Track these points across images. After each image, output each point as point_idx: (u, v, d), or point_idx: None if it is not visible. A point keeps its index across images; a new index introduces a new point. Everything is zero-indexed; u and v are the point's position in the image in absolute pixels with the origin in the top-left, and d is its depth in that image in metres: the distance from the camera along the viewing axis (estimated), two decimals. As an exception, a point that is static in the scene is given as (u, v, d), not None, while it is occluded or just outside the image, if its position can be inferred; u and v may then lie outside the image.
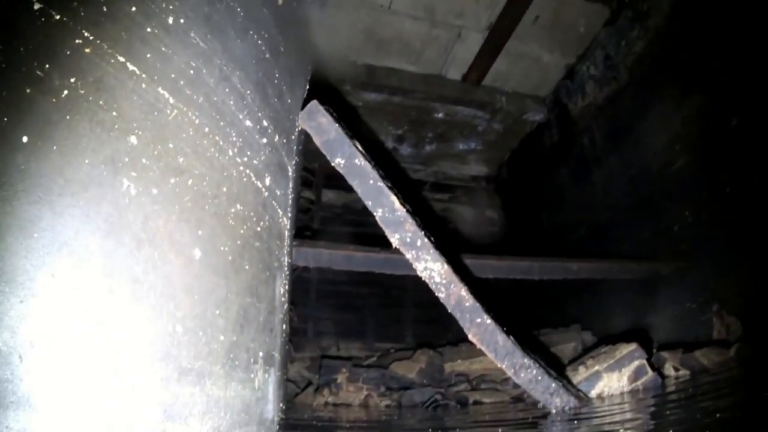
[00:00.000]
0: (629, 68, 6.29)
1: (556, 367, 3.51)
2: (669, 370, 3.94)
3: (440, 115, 7.66)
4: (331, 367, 5.51)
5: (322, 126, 2.82)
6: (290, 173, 2.58)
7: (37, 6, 1.53)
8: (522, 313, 6.56)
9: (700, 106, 5.23)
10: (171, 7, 1.81)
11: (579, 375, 3.57)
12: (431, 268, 2.89)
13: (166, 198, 1.69)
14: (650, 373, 3.50)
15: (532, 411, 3.24)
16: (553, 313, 6.81)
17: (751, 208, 4.55)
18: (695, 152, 5.27)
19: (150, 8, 1.76)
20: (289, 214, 2.57)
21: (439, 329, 7.29)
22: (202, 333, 1.72)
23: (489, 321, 2.85)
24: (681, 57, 5.51)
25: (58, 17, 1.56)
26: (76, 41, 1.58)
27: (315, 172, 8.23)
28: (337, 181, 7.99)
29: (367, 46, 6.76)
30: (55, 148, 1.47)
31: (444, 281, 2.88)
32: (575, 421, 2.73)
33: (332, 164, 2.83)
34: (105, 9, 1.65)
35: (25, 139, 1.44)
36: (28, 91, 1.47)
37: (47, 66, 1.52)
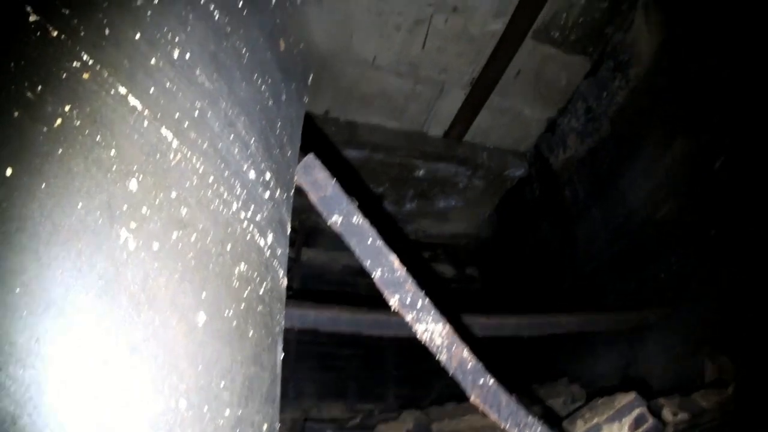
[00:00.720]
0: (611, 119, 6.21)
1: (553, 422, 3.33)
2: (667, 415, 3.80)
3: (421, 172, 7.48)
4: (315, 430, 5.29)
5: (319, 181, 2.61)
6: (288, 231, 2.36)
7: (32, 18, 1.31)
8: (508, 367, 6.36)
9: (683, 152, 5.21)
10: (177, 39, 1.60)
11: (578, 429, 3.45)
12: (432, 329, 2.70)
13: (168, 254, 1.44)
14: (650, 420, 3.37)
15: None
16: (539, 365, 6.62)
17: (737, 248, 4.54)
18: (680, 198, 5.24)
19: (155, 37, 1.54)
20: (287, 275, 2.36)
21: (420, 388, 7.05)
22: (207, 408, 1.45)
23: (492, 381, 2.66)
24: (663, 104, 5.49)
25: (55, 34, 1.32)
26: (74, 64, 1.34)
27: (296, 230, 8.02)
28: (317, 239, 7.86)
29: (350, 102, 6.61)
30: (43, 186, 1.22)
31: (446, 343, 2.70)
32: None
33: (328, 222, 2.60)
34: (107, 32, 1.42)
35: (8, 171, 1.18)
36: (15, 114, 1.22)
37: (40, 88, 1.26)
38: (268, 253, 1.92)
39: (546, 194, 7.26)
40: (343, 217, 2.63)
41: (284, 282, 2.15)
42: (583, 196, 6.60)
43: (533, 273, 7.42)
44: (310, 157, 2.62)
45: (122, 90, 1.42)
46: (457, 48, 6.29)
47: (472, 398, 2.66)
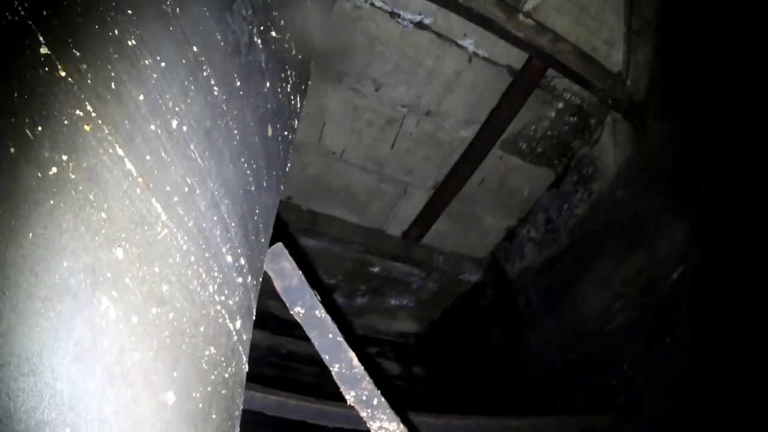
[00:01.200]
0: (570, 231, 6.25)
1: None
2: None
3: (376, 269, 7.40)
4: None
5: (285, 271, 2.61)
6: (253, 317, 2.27)
7: (43, 50, 1.25)
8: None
9: (640, 264, 5.24)
10: (177, 109, 1.54)
11: None
12: (386, 427, 2.72)
13: (145, 330, 1.36)
14: None
15: None
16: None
17: (692, 356, 4.57)
18: (635, 309, 5.25)
19: (157, 102, 1.48)
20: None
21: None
22: (170, 491, 1.33)
23: None
24: (624, 218, 5.54)
25: (63, 74, 1.25)
26: (77, 112, 1.26)
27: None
28: (266, 321, 7.66)
29: (314, 191, 6.57)
30: (30, 235, 1.14)
31: None
32: None
33: (291, 312, 2.59)
34: (113, 86, 1.35)
35: (-6, 209, 1.07)
36: (11, 150, 1.14)
37: (39, 128, 1.18)
38: (235, 338, 1.86)
39: (500, 301, 7.20)
40: (306, 309, 2.62)
41: (246, 368, 2.06)
42: (537, 305, 6.55)
43: (482, 376, 7.24)
44: (279, 246, 2.61)
45: (120, 152, 1.36)
46: (425, 151, 6.34)
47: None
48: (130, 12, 1.45)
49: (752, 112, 4.15)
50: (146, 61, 1.46)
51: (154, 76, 1.48)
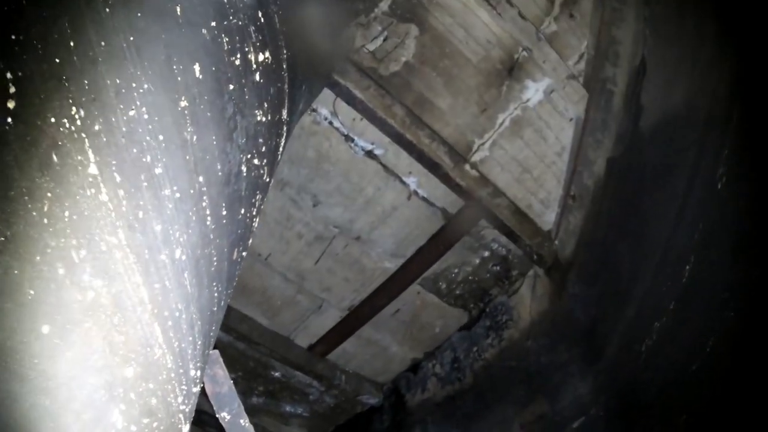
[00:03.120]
0: (475, 372, 6.18)
1: None
2: None
3: (277, 374, 7.10)
4: None
5: (217, 377, 2.74)
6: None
7: (92, 170, 1.26)
8: None
9: (542, 412, 5.23)
10: (181, 239, 1.55)
11: None
12: None
13: None
14: None
15: None
16: None
17: None
18: None
19: (168, 233, 1.49)
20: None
21: None
22: None
23: None
24: (530, 367, 5.55)
25: (105, 198, 1.29)
26: (113, 239, 1.29)
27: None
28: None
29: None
30: (68, 354, 1.17)
31: None
32: None
33: (217, 416, 2.69)
34: (141, 215, 1.40)
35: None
36: (60, 271, 1.17)
37: (83, 252, 1.21)
38: None
39: (395, 428, 6.99)
40: (232, 416, 2.74)
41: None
42: (433, 438, 6.36)
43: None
44: (216, 354, 2.72)
45: (139, 279, 1.36)
46: (347, 274, 6.22)
47: None
48: (161, 138, 1.44)
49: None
50: (166, 192, 1.47)
51: (170, 206, 1.48)
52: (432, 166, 5.14)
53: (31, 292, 1.09)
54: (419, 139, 4.99)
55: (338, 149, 5.30)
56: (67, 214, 1.15)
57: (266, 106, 2.09)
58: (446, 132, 5.18)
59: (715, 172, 3.35)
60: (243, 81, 1.85)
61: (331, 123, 5.12)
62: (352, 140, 5.24)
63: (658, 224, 3.96)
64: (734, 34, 3.19)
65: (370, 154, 5.33)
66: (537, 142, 5.36)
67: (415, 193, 5.61)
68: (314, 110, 5.02)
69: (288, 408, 7.68)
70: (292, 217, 5.76)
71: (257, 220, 2.32)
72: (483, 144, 5.31)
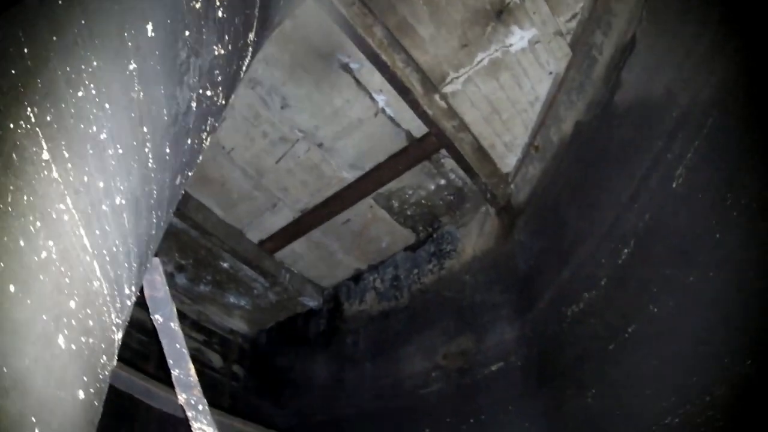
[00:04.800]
0: (412, 294, 6.20)
1: None
2: None
3: (226, 265, 7.10)
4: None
5: (155, 283, 2.77)
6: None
7: (45, 156, 1.29)
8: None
9: (466, 348, 5.25)
10: (122, 188, 1.60)
11: None
12: (205, 429, 2.87)
13: (78, 352, 1.53)
14: None
15: None
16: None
17: None
18: (449, 383, 5.26)
19: (111, 186, 1.55)
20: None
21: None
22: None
23: None
24: (464, 301, 5.56)
25: (56, 175, 1.34)
26: (61, 206, 1.34)
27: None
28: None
29: (194, 175, 6.12)
30: (29, 301, 1.25)
31: None
32: None
33: (151, 317, 2.75)
34: (86, 179, 1.43)
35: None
36: (21, 243, 1.24)
37: (38, 224, 1.29)
38: (116, 344, 1.81)
39: (330, 333, 7.03)
40: (164, 319, 2.80)
41: (115, 361, 1.96)
42: (363, 348, 6.43)
43: (296, 396, 7.05)
44: (156, 261, 2.75)
45: (82, 232, 1.43)
46: (305, 177, 6.15)
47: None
48: (107, 106, 1.45)
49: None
50: (110, 152, 1.49)
51: (113, 163, 1.51)
52: (402, 90, 4.95)
53: (1, 264, 1.20)
54: (394, 62, 4.79)
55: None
56: (26, 199, 1.26)
57: (227, 38, 2.01)
58: (423, 59, 4.99)
59: (674, 171, 3.25)
60: (202, 23, 1.81)
61: (311, 32, 4.90)
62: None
63: (610, 200, 3.87)
64: (729, 49, 3.02)
65: (345, 66, 5.16)
66: (512, 87, 5.19)
67: (383, 111, 5.49)
68: (297, 17, 4.78)
69: (232, 299, 7.74)
70: (260, 115, 5.64)
71: (209, 139, 2.27)
72: (457, 78, 5.13)
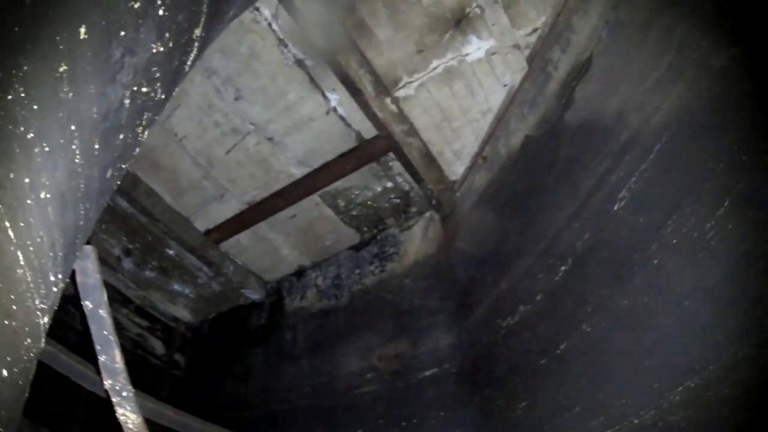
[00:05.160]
0: (353, 294, 6.12)
1: None
2: None
3: (172, 252, 6.91)
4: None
5: (87, 270, 2.78)
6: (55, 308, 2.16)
7: None
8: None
9: (401, 351, 5.19)
10: (47, 183, 1.59)
11: None
12: (128, 416, 3.00)
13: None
14: None
15: None
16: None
17: None
18: (383, 386, 5.19)
19: (36, 182, 1.55)
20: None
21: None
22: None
23: None
24: (403, 305, 5.50)
25: None
26: None
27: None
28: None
29: (143, 160, 6.03)
30: None
31: (135, 430, 2.99)
32: None
33: (81, 303, 2.81)
34: (11, 175, 1.46)
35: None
36: None
37: None
38: (42, 328, 1.83)
39: (270, 327, 6.91)
40: (94, 305, 2.83)
41: (43, 343, 1.97)
42: (301, 345, 6.31)
43: (233, 387, 6.93)
44: (89, 248, 2.76)
45: (7, 224, 1.45)
46: (254, 170, 6.03)
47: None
48: (35, 108, 1.45)
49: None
50: (36, 150, 1.49)
51: (39, 160, 1.51)
52: (354, 91, 4.88)
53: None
54: (348, 63, 4.70)
55: (271, 51, 5.00)
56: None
57: (168, 35, 1.95)
58: (377, 62, 4.89)
59: (618, 193, 3.22)
60: (140, 22, 1.76)
61: (270, 25, 4.80)
62: (286, 46, 4.93)
63: (552, 217, 3.83)
64: (687, 76, 2.97)
65: (300, 63, 5.03)
66: (465, 96, 5.12)
67: (335, 109, 5.39)
68: (257, 9, 4.69)
69: (177, 287, 7.57)
70: (213, 105, 5.49)
71: (146, 132, 2.18)
72: (411, 83, 5.04)
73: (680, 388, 2.65)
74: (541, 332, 3.67)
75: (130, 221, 6.62)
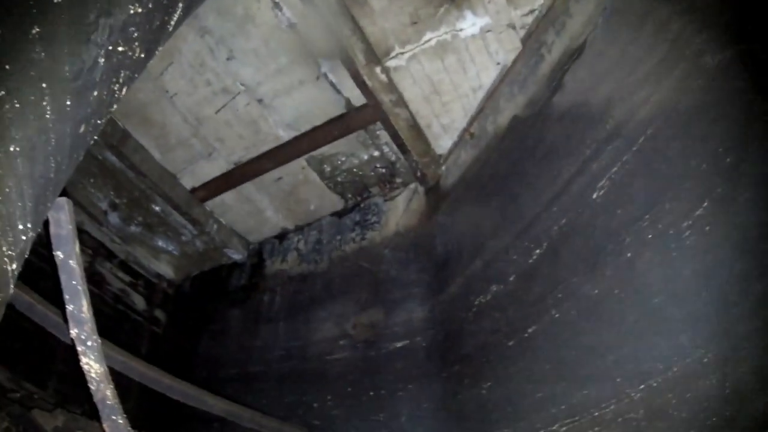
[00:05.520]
0: (332, 260, 6.04)
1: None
2: None
3: (158, 208, 6.80)
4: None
5: (60, 221, 2.76)
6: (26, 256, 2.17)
7: None
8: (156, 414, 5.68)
9: (375, 321, 5.13)
10: (17, 137, 1.61)
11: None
12: (92, 365, 2.94)
13: None
14: None
15: None
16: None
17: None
18: (355, 353, 5.16)
19: (6, 136, 1.59)
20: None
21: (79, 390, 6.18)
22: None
23: (122, 420, 2.93)
24: (380, 274, 5.44)
25: None
26: None
27: None
28: None
29: (134, 115, 5.93)
30: None
31: (98, 379, 2.93)
32: None
33: (53, 253, 2.78)
34: None
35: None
36: None
37: None
38: (9, 275, 1.86)
39: (249, 287, 6.82)
40: (65, 256, 2.80)
41: (12, 291, 2.00)
42: (278, 307, 6.23)
43: (210, 345, 6.85)
44: (63, 200, 2.74)
45: None
46: (242, 131, 5.93)
47: (104, 427, 2.92)
48: (7, 67, 1.48)
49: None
50: (7, 106, 1.50)
51: (9, 116, 1.52)
52: (345, 60, 4.79)
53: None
54: (341, 30, 4.54)
55: (265, 14, 4.89)
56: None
57: None
58: (370, 30, 4.77)
59: (598, 182, 3.14)
60: None
61: (265, -14, 4.67)
62: (280, 9, 4.81)
63: (532, 199, 3.75)
64: (678, 70, 2.88)
65: (293, 26, 4.90)
66: (456, 71, 4.99)
67: (325, 75, 5.27)
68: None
69: (161, 243, 7.46)
70: (206, 64, 5.38)
71: (125, 89, 2.13)
72: (402, 53, 4.92)
73: (642, 386, 2.59)
74: (512, 314, 3.60)
75: (118, 176, 6.50)
